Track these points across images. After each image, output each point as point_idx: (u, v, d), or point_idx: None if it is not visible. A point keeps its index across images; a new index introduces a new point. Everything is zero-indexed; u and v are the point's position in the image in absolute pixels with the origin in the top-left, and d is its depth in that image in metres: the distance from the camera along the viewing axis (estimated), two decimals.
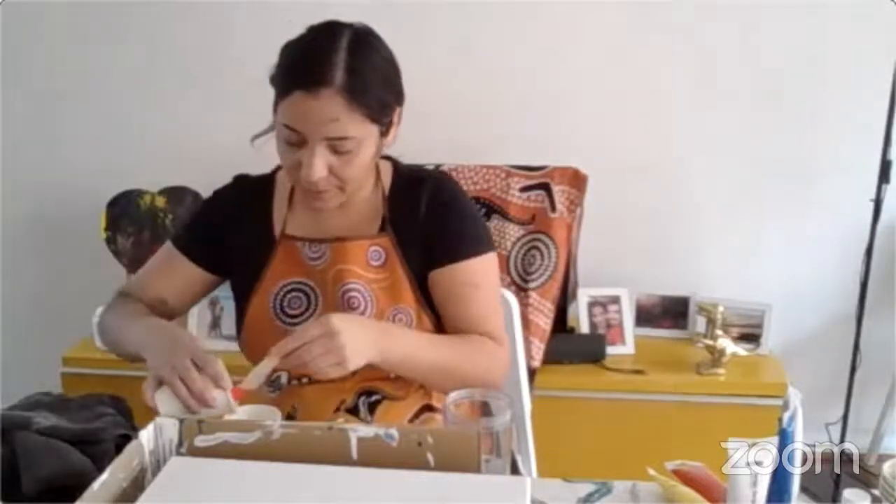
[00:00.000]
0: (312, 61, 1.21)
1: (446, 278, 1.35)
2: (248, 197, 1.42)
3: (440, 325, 1.39)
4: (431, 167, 2.46)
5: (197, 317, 2.46)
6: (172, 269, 1.43)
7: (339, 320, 1.18)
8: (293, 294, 1.37)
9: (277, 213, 1.40)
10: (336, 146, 1.23)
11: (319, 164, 1.23)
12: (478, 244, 1.38)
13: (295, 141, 1.24)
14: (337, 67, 1.20)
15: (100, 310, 1.46)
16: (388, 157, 1.42)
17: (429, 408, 1.39)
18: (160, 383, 1.16)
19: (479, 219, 1.45)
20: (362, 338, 1.21)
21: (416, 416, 1.38)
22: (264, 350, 1.36)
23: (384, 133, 1.29)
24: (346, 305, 1.33)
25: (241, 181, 1.45)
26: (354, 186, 1.31)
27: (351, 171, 1.26)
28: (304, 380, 1.36)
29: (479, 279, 1.37)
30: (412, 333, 1.33)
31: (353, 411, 1.35)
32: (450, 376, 1.30)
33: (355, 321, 1.24)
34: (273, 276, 1.38)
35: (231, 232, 1.40)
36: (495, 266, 1.41)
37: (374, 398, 1.36)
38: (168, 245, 1.45)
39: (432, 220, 1.35)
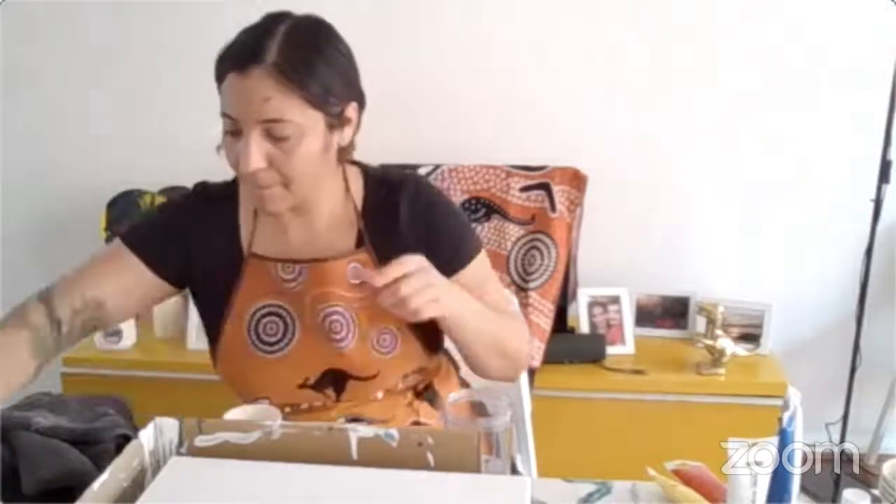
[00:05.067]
0: (245, 42, 1.16)
1: None
2: (212, 207, 1.33)
3: (426, 341, 1.34)
4: (431, 167, 2.47)
5: (192, 319, 2.45)
6: (119, 270, 1.28)
7: (422, 259, 1.15)
8: (268, 318, 1.30)
9: (244, 226, 1.32)
10: (271, 130, 1.14)
11: (255, 152, 1.15)
12: (472, 245, 1.34)
13: (231, 129, 1.17)
14: (270, 46, 1.14)
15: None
16: (355, 163, 1.34)
17: (416, 424, 1.35)
18: None
19: (462, 216, 1.40)
20: (449, 285, 1.19)
21: None
22: (245, 381, 1.32)
23: (333, 126, 1.20)
24: (329, 330, 1.28)
25: (203, 189, 1.36)
26: (302, 188, 1.21)
27: (293, 165, 1.17)
28: (287, 409, 1.32)
29: (482, 276, 1.34)
30: (468, 296, 1.27)
31: None
32: (495, 343, 1.29)
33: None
34: (244, 299, 1.30)
35: (197, 245, 1.31)
36: (486, 258, 1.37)
37: (362, 424, 1.33)
38: (116, 244, 1.30)
39: (420, 237, 1.29)
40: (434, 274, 1.16)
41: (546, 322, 2.37)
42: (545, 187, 2.42)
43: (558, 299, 2.40)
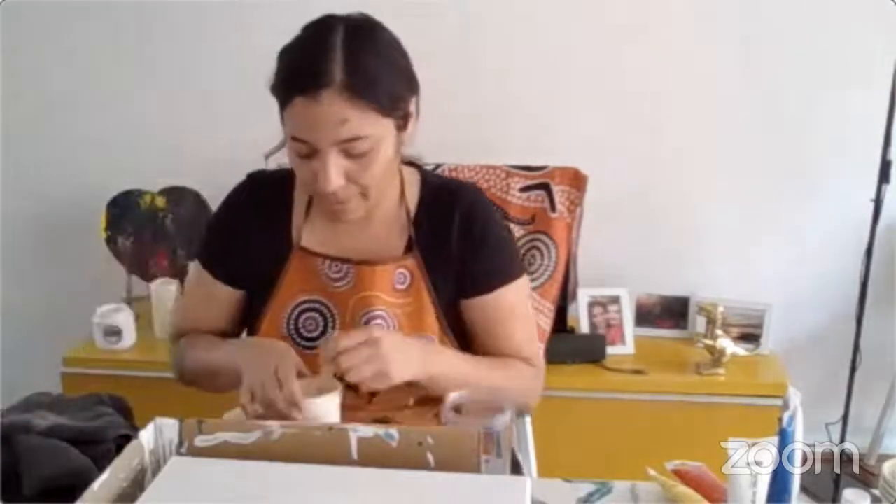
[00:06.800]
0: (307, 63, 1.13)
1: (482, 308, 1.31)
2: (265, 196, 1.33)
3: (463, 350, 1.34)
4: (431, 167, 2.46)
5: None
6: (212, 298, 1.35)
7: (381, 330, 1.14)
8: (309, 314, 1.30)
9: (296, 218, 1.32)
10: (349, 149, 1.14)
11: (334, 173, 1.14)
12: (514, 270, 1.33)
13: (306, 152, 1.15)
14: (334, 64, 1.11)
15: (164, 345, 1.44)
16: (412, 164, 1.34)
17: None
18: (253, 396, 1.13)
19: (513, 240, 1.39)
20: (406, 352, 1.16)
21: None
22: None
23: (401, 127, 1.20)
24: None
25: (257, 178, 1.36)
26: (378, 192, 1.23)
27: (371, 175, 1.18)
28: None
29: (515, 305, 1.33)
30: (456, 354, 1.27)
31: None
32: (489, 399, 1.25)
33: (399, 335, 1.19)
34: (287, 292, 1.30)
35: (248, 239, 1.32)
36: (528, 288, 1.36)
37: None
38: (197, 268, 1.37)
39: (466, 250, 1.29)
40: (384, 350, 1.12)
41: (546, 322, 2.36)
42: (545, 187, 2.41)
43: (558, 299, 2.39)
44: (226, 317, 1.37)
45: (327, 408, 1.13)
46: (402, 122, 1.21)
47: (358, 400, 1.33)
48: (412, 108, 1.22)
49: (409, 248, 1.30)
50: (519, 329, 1.34)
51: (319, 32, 1.16)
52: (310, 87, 1.11)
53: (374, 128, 1.15)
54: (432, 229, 1.30)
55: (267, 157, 1.28)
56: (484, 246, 1.30)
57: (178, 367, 1.38)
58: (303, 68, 1.13)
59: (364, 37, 1.16)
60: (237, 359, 1.21)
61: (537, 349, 1.37)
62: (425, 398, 1.35)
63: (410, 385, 1.30)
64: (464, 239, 1.29)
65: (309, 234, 1.31)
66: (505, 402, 1.26)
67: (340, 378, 1.15)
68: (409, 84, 1.22)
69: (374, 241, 1.30)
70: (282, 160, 1.30)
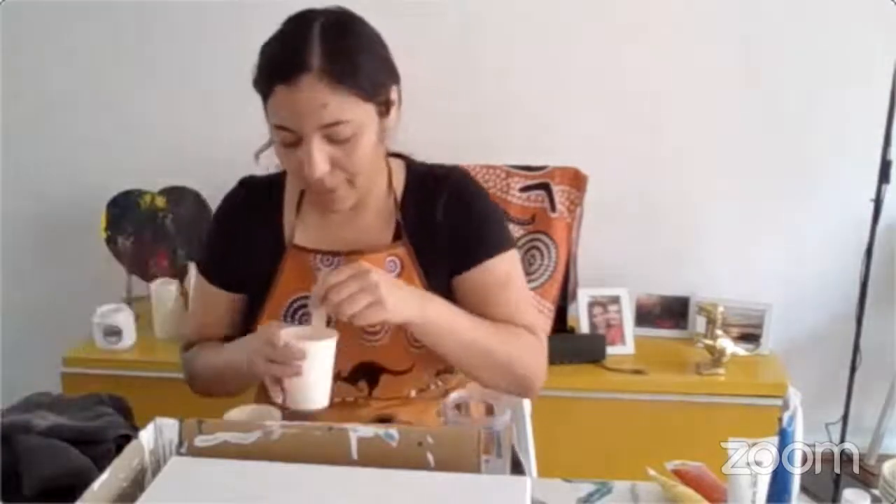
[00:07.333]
0: (287, 52, 1.15)
1: (474, 281, 1.30)
2: (257, 200, 1.35)
3: None
4: None
5: None
6: (214, 305, 1.38)
7: (370, 266, 1.14)
8: (305, 311, 1.30)
9: (287, 217, 1.34)
10: (332, 135, 1.15)
11: (319, 158, 1.15)
12: (502, 241, 1.33)
13: (290, 141, 1.17)
14: (312, 51, 1.12)
15: (181, 357, 1.43)
16: (399, 155, 1.35)
17: None
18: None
19: (501, 214, 1.39)
20: (401, 290, 1.16)
21: None
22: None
23: (383, 113, 1.21)
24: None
25: (248, 183, 1.38)
26: (366, 180, 1.23)
27: (356, 160, 1.18)
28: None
29: (507, 276, 1.32)
30: (453, 307, 1.26)
31: None
32: (490, 359, 1.26)
33: (392, 276, 1.19)
34: (283, 291, 1.31)
35: (244, 244, 1.34)
36: (519, 261, 1.36)
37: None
38: (197, 276, 1.39)
39: (453, 226, 1.30)
40: (374, 279, 1.12)
41: (546, 322, 2.37)
42: (545, 187, 2.41)
43: (558, 299, 2.40)
44: (228, 322, 1.38)
45: (326, 352, 1.12)
46: (384, 108, 1.21)
47: (358, 395, 1.33)
48: (394, 95, 1.23)
49: (397, 236, 1.31)
50: (515, 295, 1.33)
51: (298, 26, 1.18)
52: (289, 74, 1.13)
53: (355, 112, 1.16)
54: (419, 215, 1.31)
55: (257, 154, 1.29)
56: (473, 219, 1.31)
57: (189, 377, 1.40)
58: (282, 58, 1.15)
59: (342, 27, 1.18)
60: (239, 355, 1.23)
61: (539, 319, 1.37)
62: (425, 390, 1.35)
63: (407, 372, 1.31)
64: (452, 217, 1.30)
65: (301, 231, 1.32)
66: (510, 367, 1.24)
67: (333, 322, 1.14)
68: (389, 72, 1.23)
69: (363, 232, 1.31)
70: (275, 160, 1.30)
